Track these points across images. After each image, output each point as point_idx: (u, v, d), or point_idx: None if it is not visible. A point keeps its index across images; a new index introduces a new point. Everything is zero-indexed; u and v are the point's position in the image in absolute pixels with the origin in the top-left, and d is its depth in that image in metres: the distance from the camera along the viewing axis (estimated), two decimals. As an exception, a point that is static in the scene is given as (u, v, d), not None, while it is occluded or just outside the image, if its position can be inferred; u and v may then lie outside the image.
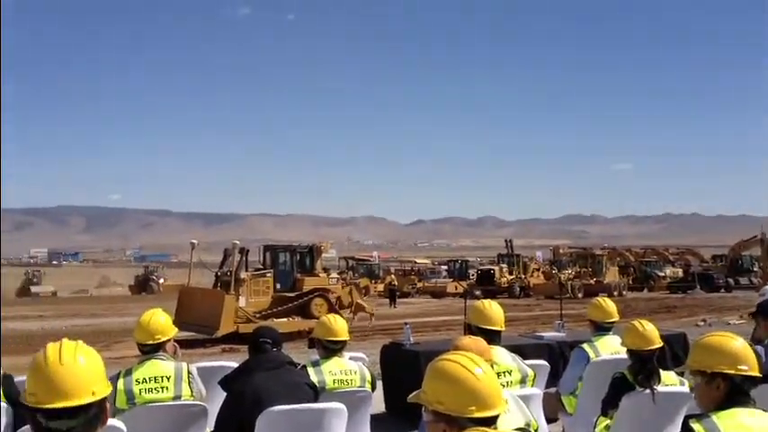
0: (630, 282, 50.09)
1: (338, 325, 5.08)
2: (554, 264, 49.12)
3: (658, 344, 4.68)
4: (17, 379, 4.54)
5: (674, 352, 8.07)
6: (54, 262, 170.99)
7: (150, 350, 4.57)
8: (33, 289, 56.57)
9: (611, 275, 46.00)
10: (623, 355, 4.95)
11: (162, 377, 4.46)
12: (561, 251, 53.33)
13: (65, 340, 2.23)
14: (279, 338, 4.59)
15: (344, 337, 5.09)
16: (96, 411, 2.14)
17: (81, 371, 2.12)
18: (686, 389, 4.67)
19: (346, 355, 5.24)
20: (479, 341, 3.50)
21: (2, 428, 4.24)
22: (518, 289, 44.41)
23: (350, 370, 5.03)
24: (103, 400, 2.17)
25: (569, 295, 38.61)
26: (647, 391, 4.50)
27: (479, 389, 2.30)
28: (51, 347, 2.19)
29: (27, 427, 3.75)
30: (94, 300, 47.98)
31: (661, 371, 4.64)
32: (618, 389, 4.60)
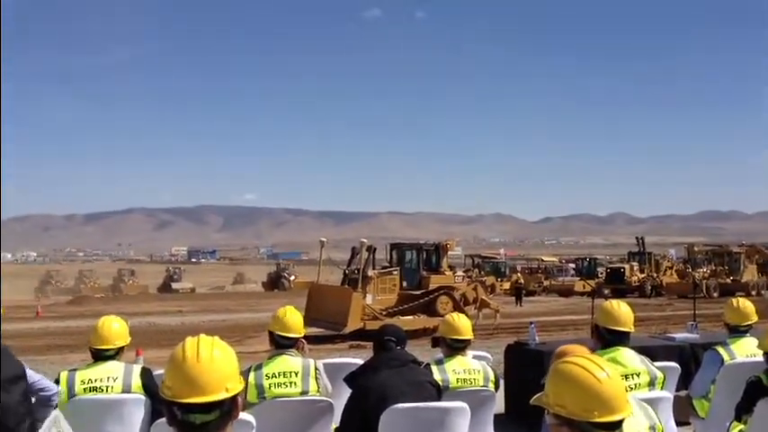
0: (770, 281, 47.37)
1: (462, 323, 5.10)
2: (688, 262, 47.14)
3: (797, 347, 4.45)
4: (157, 372, 4.82)
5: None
6: (193, 260, 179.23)
7: (287, 345, 4.74)
8: (174, 285, 59.40)
9: (750, 274, 43.69)
10: (760, 358, 4.73)
11: (290, 372, 4.59)
12: (696, 248, 51.02)
13: (202, 336, 2.29)
14: (403, 336, 4.65)
15: (469, 335, 5.10)
16: (229, 406, 2.19)
17: (216, 367, 2.18)
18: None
19: (470, 353, 5.25)
20: (582, 349, 3.43)
21: (141, 420, 4.51)
22: (649, 288, 42.90)
23: (473, 369, 5.03)
24: (236, 396, 2.22)
25: (704, 295, 36.98)
26: (786, 396, 4.28)
27: (602, 392, 2.27)
28: (189, 343, 2.25)
29: (162, 419, 4.01)
30: (229, 296, 49.93)
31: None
32: (753, 393, 4.40)
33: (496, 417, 7.53)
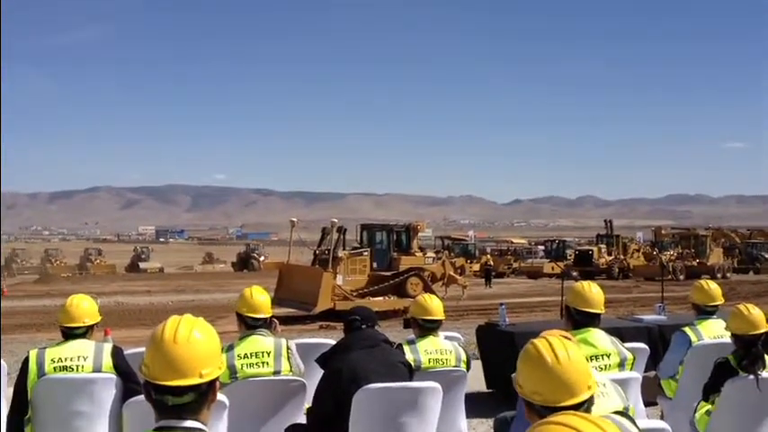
0: (735, 264, 48.11)
1: (434, 304, 5.11)
2: (655, 244, 47.74)
3: (764, 328, 4.52)
4: (127, 352, 4.78)
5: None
6: (161, 239, 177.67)
7: (256, 325, 4.72)
8: (141, 265, 58.75)
9: (716, 257, 44.32)
10: (727, 339, 4.81)
11: (263, 352, 4.58)
12: (663, 232, 51.75)
13: (186, 316, 2.25)
14: (373, 317, 4.66)
15: (440, 316, 5.11)
16: (205, 390, 2.17)
17: (193, 351, 2.15)
18: (793, 376, 4.50)
19: (441, 334, 5.27)
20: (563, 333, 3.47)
21: (113, 399, 4.47)
22: (617, 270, 43.36)
23: (445, 349, 5.05)
24: (213, 381, 2.20)
25: (671, 277, 37.50)
26: (752, 376, 4.36)
27: (559, 375, 2.34)
28: (170, 322, 2.21)
29: (134, 399, 3.99)
30: (199, 276, 49.65)
31: (766, 356, 4.49)
32: (721, 374, 4.48)
33: (479, 394, 7.66)
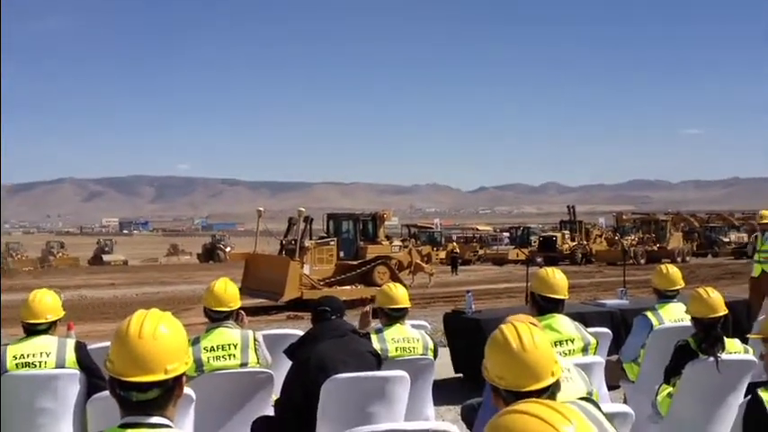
0: (695, 248, 48.81)
1: (400, 293, 5.13)
2: (617, 230, 48.27)
3: (723, 311, 4.60)
4: (91, 346, 4.73)
5: (739, 319, 7.88)
6: (125, 231, 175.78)
7: (220, 318, 4.70)
8: (105, 258, 57.98)
9: (675, 241, 45.00)
10: (687, 322, 4.89)
11: (229, 345, 4.57)
12: (624, 217, 52.29)
13: (152, 311, 2.22)
14: (341, 307, 4.67)
15: (406, 304, 5.14)
16: (171, 385, 2.15)
17: (158, 346, 2.12)
18: (751, 356, 4.60)
19: (408, 323, 5.30)
20: (528, 318, 3.51)
21: (77, 395, 4.43)
22: (580, 255, 43.82)
23: (412, 338, 5.07)
24: (180, 375, 2.18)
25: (632, 262, 37.99)
26: (711, 358, 4.44)
27: (523, 360, 2.37)
28: (136, 318, 2.18)
29: (98, 395, 3.95)
30: (163, 268, 49.11)
31: (725, 338, 4.57)
32: (681, 357, 4.55)
33: (446, 381, 7.70)
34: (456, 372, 8.17)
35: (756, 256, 11.16)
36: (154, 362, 2.11)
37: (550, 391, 2.38)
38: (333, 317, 4.51)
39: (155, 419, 2.12)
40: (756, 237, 11.39)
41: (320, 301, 4.67)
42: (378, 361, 4.49)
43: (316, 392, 4.12)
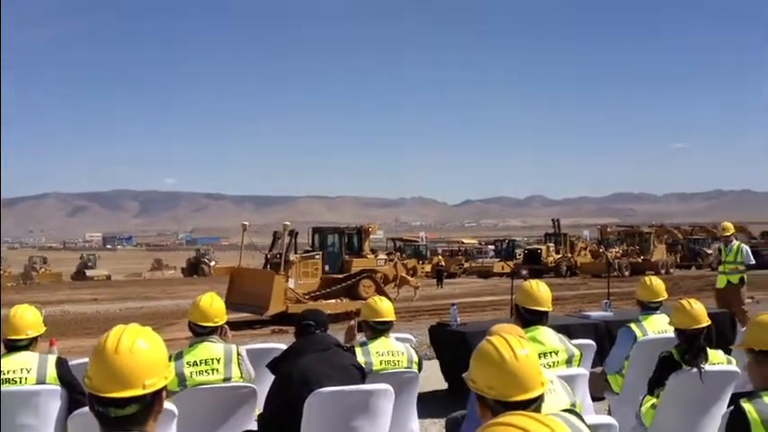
0: (678, 260, 49.16)
1: (384, 306, 5.12)
2: (601, 242, 48.55)
3: (706, 322, 4.62)
4: (73, 362, 4.68)
5: (722, 331, 7.94)
6: (108, 246, 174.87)
7: (205, 333, 4.68)
8: (88, 273, 57.60)
9: (659, 253, 45.29)
10: (671, 334, 4.91)
11: (212, 359, 4.54)
12: (609, 229, 52.62)
13: (131, 326, 2.19)
14: (325, 320, 4.64)
15: (391, 317, 5.13)
16: (150, 401, 2.12)
17: (136, 362, 2.09)
18: (734, 368, 4.62)
19: (393, 336, 5.29)
20: (515, 328, 3.52)
21: (58, 411, 4.38)
22: (565, 268, 43.97)
23: (397, 351, 5.06)
24: (160, 390, 2.14)
25: (616, 274, 38.25)
26: (695, 369, 4.45)
27: (512, 371, 2.36)
28: (114, 333, 2.15)
29: (80, 411, 3.91)
30: (147, 283, 48.83)
31: (709, 350, 4.59)
32: (665, 368, 4.57)
33: (431, 394, 7.67)
34: (448, 383, 8.15)
35: (721, 268, 11.27)
36: (131, 377, 2.08)
37: (537, 403, 2.38)
38: (317, 330, 4.48)
39: None
40: (720, 249, 11.49)
41: (304, 315, 4.65)
42: (362, 374, 4.48)
43: (299, 406, 4.09)
